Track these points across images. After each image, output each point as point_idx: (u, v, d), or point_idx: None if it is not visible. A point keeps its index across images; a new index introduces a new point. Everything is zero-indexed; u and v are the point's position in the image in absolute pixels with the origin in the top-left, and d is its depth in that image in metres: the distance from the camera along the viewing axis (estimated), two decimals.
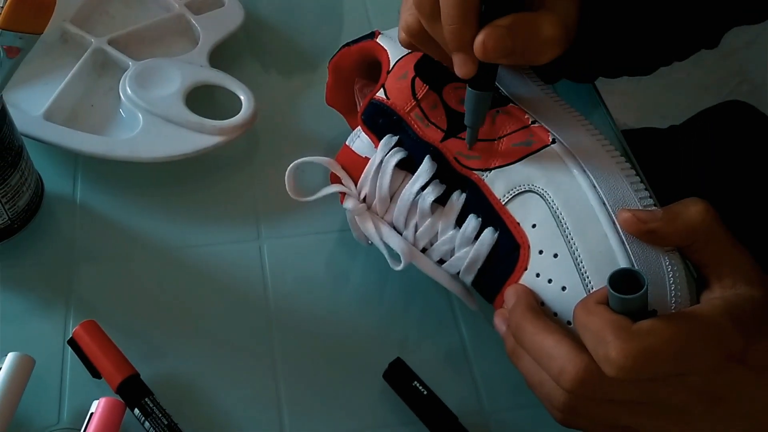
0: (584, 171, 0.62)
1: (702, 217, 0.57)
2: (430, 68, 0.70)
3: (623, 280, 0.53)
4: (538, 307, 0.60)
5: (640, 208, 0.60)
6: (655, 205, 0.61)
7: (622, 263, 0.58)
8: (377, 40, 0.74)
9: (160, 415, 0.64)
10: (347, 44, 0.77)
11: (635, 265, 0.58)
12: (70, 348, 0.67)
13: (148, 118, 0.81)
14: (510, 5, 0.59)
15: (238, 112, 0.82)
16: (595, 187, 0.61)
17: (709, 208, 0.57)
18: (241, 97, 0.83)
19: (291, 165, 0.71)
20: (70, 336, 0.67)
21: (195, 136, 0.80)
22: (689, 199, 0.58)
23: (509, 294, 0.62)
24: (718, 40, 0.82)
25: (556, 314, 0.61)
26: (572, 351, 0.54)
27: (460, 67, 0.61)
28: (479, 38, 0.58)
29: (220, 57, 0.89)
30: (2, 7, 0.63)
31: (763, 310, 0.54)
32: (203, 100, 0.84)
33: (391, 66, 0.71)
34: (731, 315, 0.53)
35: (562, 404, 0.56)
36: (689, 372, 0.53)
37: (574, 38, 0.63)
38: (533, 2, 0.61)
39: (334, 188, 0.71)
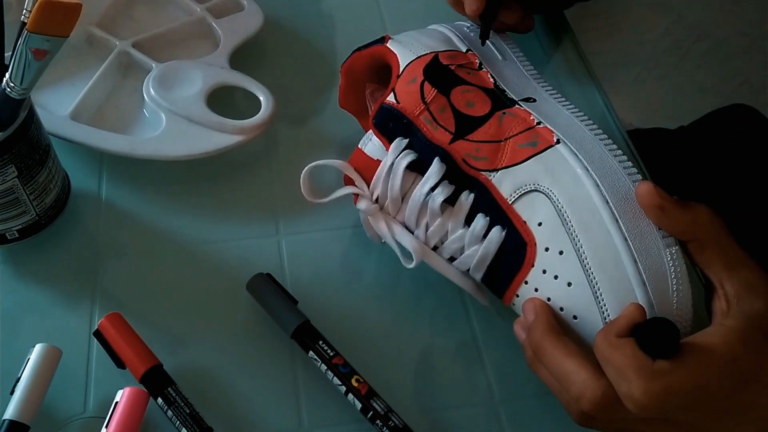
0: (588, 170, 0.62)
1: (709, 217, 0.57)
2: (439, 73, 0.70)
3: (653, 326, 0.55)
4: (557, 326, 0.60)
5: None
6: None
7: (625, 259, 0.58)
8: (387, 45, 0.75)
9: (182, 404, 0.64)
10: (359, 49, 0.78)
11: (638, 261, 0.58)
12: (95, 339, 0.67)
13: (171, 118, 0.81)
14: None
15: (258, 113, 0.82)
16: (598, 185, 0.61)
17: (716, 214, 0.57)
18: (260, 98, 0.83)
19: (305, 169, 0.71)
20: (96, 328, 0.67)
21: (216, 136, 0.80)
22: (704, 206, 0.58)
23: (528, 309, 0.62)
24: None
25: (562, 309, 0.61)
26: (591, 377, 0.55)
27: (470, 4, 0.75)
28: None
29: (240, 59, 0.88)
30: (30, 11, 0.63)
31: None
32: (224, 101, 0.83)
33: (400, 70, 0.71)
34: (744, 341, 0.53)
35: (578, 417, 0.57)
36: (706, 398, 0.53)
37: None
38: None
39: (348, 190, 0.71)
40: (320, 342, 0.67)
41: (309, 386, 0.68)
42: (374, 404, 0.64)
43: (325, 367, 0.67)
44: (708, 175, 1.02)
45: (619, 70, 2.06)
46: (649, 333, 0.54)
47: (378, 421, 0.64)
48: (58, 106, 0.81)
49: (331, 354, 0.67)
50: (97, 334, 0.67)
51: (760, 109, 1.09)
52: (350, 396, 0.65)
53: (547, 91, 0.72)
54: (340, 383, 0.66)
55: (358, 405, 0.65)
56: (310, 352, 0.67)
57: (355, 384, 0.65)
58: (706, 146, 1.07)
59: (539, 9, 0.85)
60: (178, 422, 0.63)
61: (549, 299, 0.62)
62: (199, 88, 0.83)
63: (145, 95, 0.83)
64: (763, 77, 2.01)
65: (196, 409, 0.64)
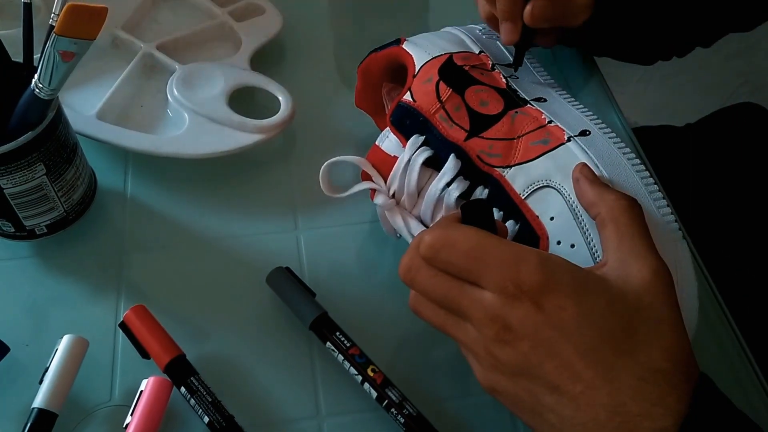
0: (597, 166, 0.61)
1: (617, 202, 0.55)
2: (453, 73, 0.70)
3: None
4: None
5: (651, 200, 0.59)
6: (663, 197, 0.60)
7: None
8: (403, 46, 0.74)
9: (205, 392, 0.63)
10: (375, 50, 0.78)
11: None
12: (121, 330, 0.67)
13: (194, 117, 0.81)
14: None
15: (277, 112, 0.81)
16: (608, 181, 0.60)
17: (634, 203, 0.55)
18: (280, 98, 0.83)
19: (324, 164, 0.70)
20: (121, 319, 0.67)
21: (237, 134, 0.80)
22: (627, 195, 0.57)
23: None
24: (712, 41, 0.85)
25: None
26: (411, 247, 0.56)
27: (507, 34, 0.75)
28: (528, 8, 0.73)
29: (260, 61, 0.88)
30: (58, 15, 0.63)
31: (610, 285, 0.51)
32: (245, 101, 0.83)
33: (416, 70, 0.71)
34: (543, 256, 0.51)
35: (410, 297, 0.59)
36: (482, 283, 0.52)
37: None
38: None
39: (366, 185, 0.70)
40: (337, 333, 0.67)
41: (326, 376, 0.68)
42: (389, 393, 0.64)
43: (342, 358, 0.66)
44: (715, 172, 1.02)
45: (625, 71, 2.04)
46: (467, 205, 0.56)
47: (393, 410, 0.63)
48: (85, 106, 0.81)
49: (348, 345, 0.66)
50: (123, 326, 0.66)
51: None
52: (366, 385, 0.65)
53: (556, 91, 0.72)
54: (356, 373, 0.65)
55: (374, 394, 0.64)
56: (328, 343, 0.67)
57: (371, 374, 0.65)
58: (714, 143, 1.06)
59: (574, 42, 0.85)
60: (200, 410, 0.62)
61: None
62: (220, 89, 0.83)
63: (168, 96, 0.83)
64: (763, 77, 2.00)
65: (218, 397, 0.63)
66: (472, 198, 0.66)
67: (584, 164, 0.60)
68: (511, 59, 0.76)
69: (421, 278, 0.55)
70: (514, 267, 0.50)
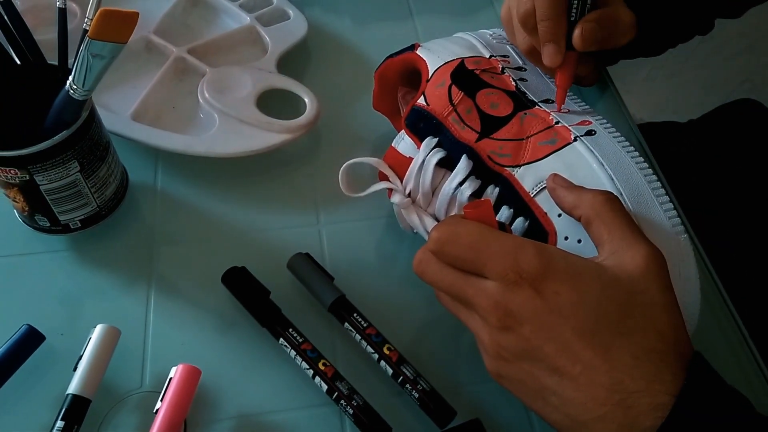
0: (602, 165, 0.61)
1: (594, 199, 0.55)
2: (465, 77, 0.70)
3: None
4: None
5: (654, 197, 0.59)
6: (666, 193, 0.59)
7: None
8: (417, 52, 0.75)
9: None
10: (391, 55, 0.78)
11: None
12: (152, 319, 0.67)
13: (224, 118, 0.80)
14: (592, 3, 0.68)
15: (303, 113, 0.81)
16: (612, 179, 0.60)
17: (610, 198, 0.55)
18: (305, 100, 0.82)
19: (343, 166, 0.70)
20: (152, 309, 0.67)
21: (265, 135, 0.79)
22: (603, 190, 0.57)
23: None
24: (709, 28, 0.83)
25: None
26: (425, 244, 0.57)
27: (551, 57, 0.70)
28: (577, 32, 0.68)
29: (286, 64, 0.88)
30: (91, 20, 0.63)
31: (605, 271, 0.51)
32: (272, 103, 0.82)
33: (429, 75, 0.71)
34: (540, 245, 0.52)
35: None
36: (485, 273, 0.52)
37: None
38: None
39: (383, 185, 0.70)
40: (355, 314, 0.67)
41: (345, 354, 0.68)
42: (404, 370, 0.64)
43: (359, 337, 0.66)
44: (715, 165, 1.01)
45: (631, 70, 2.03)
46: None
47: (408, 386, 0.63)
48: (120, 108, 0.80)
49: (365, 325, 0.66)
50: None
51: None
52: (382, 363, 0.65)
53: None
54: (372, 351, 0.65)
55: (390, 371, 0.64)
56: (346, 324, 0.67)
57: (386, 352, 0.65)
58: (714, 138, 1.05)
59: (610, 60, 0.82)
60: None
61: None
62: (249, 91, 0.82)
63: (199, 98, 0.82)
64: (764, 76, 1.98)
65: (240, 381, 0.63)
66: (483, 197, 0.65)
67: (555, 174, 0.60)
68: (521, 62, 0.75)
69: (429, 271, 0.56)
70: (513, 256, 0.51)
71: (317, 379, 0.64)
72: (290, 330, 0.66)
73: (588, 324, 0.49)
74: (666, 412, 0.47)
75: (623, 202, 0.58)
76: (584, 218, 0.55)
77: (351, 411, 0.62)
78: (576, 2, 0.68)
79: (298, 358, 0.65)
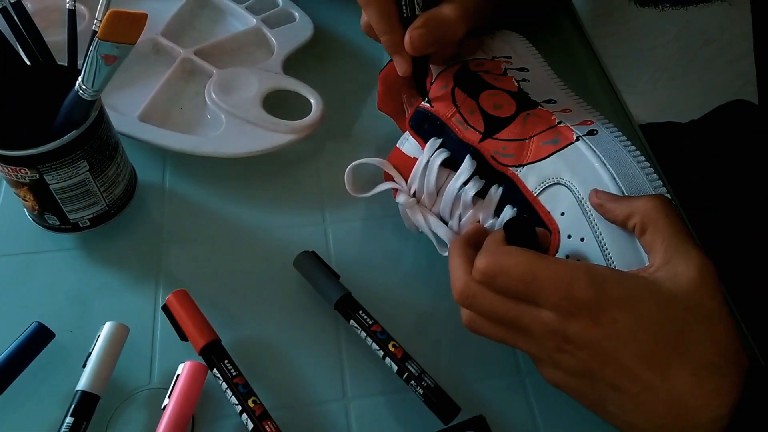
0: (604, 164, 0.60)
1: (647, 206, 0.54)
2: (468, 78, 0.70)
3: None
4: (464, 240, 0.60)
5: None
6: (668, 192, 0.59)
7: (640, 244, 0.57)
8: None
9: (235, 374, 0.62)
10: None
11: None
12: (160, 317, 0.67)
13: (230, 119, 0.80)
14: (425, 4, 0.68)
15: (308, 114, 0.81)
16: (614, 178, 0.59)
17: (663, 203, 0.54)
18: (311, 101, 0.82)
19: (349, 166, 0.70)
20: (163, 304, 0.66)
21: (271, 135, 0.79)
22: (655, 195, 0.56)
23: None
24: None
25: None
26: (461, 270, 0.57)
27: (400, 68, 0.69)
28: (406, 39, 0.67)
29: (292, 65, 0.88)
30: (101, 21, 0.63)
31: (659, 289, 0.51)
32: (278, 104, 0.83)
33: (433, 77, 0.71)
34: (592, 271, 0.51)
35: (463, 317, 0.59)
36: (539, 302, 0.52)
37: None
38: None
39: (388, 185, 0.71)
40: (360, 312, 0.67)
41: (351, 352, 0.68)
42: (409, 366, 0.64)
43: (365, 334, 0.66)
44: (714, 164, 1.01)
45: (634, 72, 2.03)
46: (509, 224, 0.57)
47: (412, 382, 0.63)
48: (128, 108, 0.80)
49: (370, 322, 0.66)
50: (165, 309, 0.66)
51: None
52: (387, 360, 0.65)
53: (566, 93, 0.71)
54: (378, 348, 0.65)
55: (395, 367, 0.64)
56: (351, 321, 0.67)
57: (391, 349, 0.65)
58: (715, 138, 1.05)
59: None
60: (230, 394, 0.62)
61: None
62: (255, 92, 0.82)
63: (207, 99, 0.82)
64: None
65: (249, 380, 0.63)
66: (487, 197, 0.65)
67: (596, 189, 0.59)
68: (523, 63, 0.75)
69: (479, 302, 0.55)
70: (566, 286, 0.51)
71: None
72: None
73: (647, 346, 0.50)
74: (724, 423, 0.48)
75: None
76: (639, 227, 0.54)
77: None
78: (405, 9, 0.68)
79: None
